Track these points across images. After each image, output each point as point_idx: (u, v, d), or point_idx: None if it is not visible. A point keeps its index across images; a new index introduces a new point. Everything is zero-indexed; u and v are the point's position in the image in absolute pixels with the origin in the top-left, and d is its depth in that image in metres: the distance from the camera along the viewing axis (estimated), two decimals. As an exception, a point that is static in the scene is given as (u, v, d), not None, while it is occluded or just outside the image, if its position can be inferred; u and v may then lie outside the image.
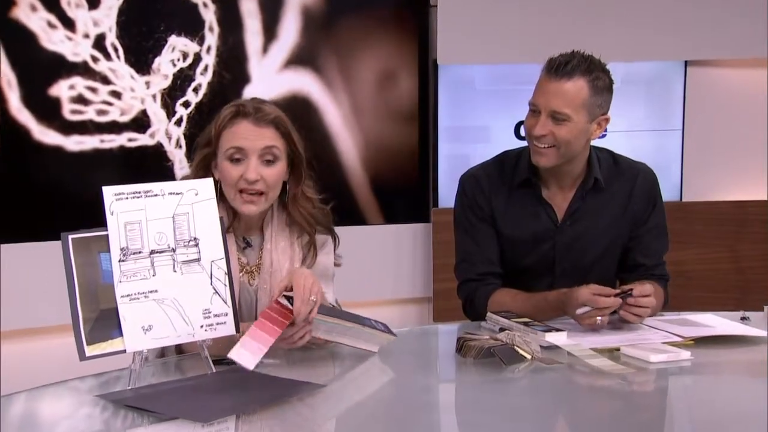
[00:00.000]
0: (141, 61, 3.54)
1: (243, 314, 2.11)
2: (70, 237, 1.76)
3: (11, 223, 3.39)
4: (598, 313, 2.20)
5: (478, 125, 4.08)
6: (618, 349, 2.09)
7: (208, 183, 1.92)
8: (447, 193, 3.95)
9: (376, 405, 1.85)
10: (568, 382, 1.97)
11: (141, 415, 1.66)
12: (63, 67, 3.43)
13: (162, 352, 2.10)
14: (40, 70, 3.40)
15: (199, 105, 3.64)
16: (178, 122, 3.63)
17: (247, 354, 1.87)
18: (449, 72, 4.02)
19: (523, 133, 2.54)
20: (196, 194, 1.89)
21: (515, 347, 2.00)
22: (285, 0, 3.74)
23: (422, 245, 4.05)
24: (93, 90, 3.48)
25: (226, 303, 1.89)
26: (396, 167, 4.00)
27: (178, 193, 1.87)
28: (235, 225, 2.16)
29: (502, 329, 2.15)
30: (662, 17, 3.98)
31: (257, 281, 2.16)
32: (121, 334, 1.78)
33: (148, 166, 3.57)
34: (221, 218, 1.92)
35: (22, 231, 3.39)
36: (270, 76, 3.74)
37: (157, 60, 3.56)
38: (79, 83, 3.46)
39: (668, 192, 3.36)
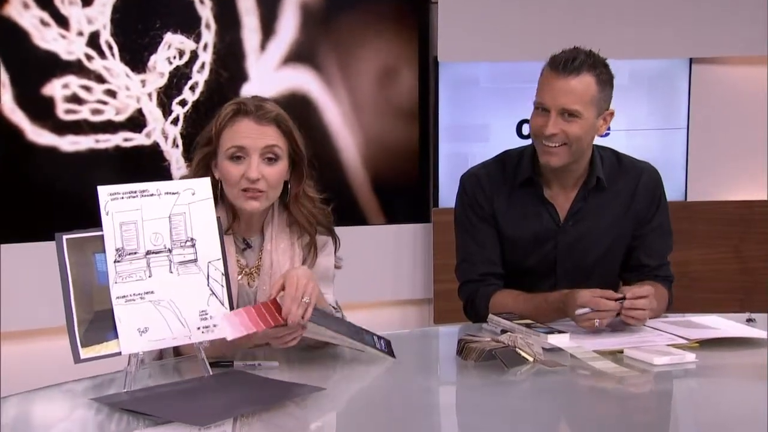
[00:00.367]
0: (136, 59, 3.50)
1: (241, 316, 2.08)
2: (65, 237, 1.75)
3: (8, 224, 3.35)
4: (596, 315, 2.18)
5: (478, 123, 4.05)
6: (621, 352, 2.07)
7: (205, 182, 1.90)
8: (447, 193, 3.93)
9: (376, 408, 1.83)
10: (571, 384, 1.95)
11: (137, 419, 1.64)
12: (56, 66, 3.38)
13: (160, 354, 2.08)
14: (33, 68, 3.36)
15: (196, 104, 3.60)
16: (175, 121, 3.59)
17: (228, 327, 1.82)
18: (450, 69, 3.99)
19: (526, 132, 2.52)
20: (193, 194, 1.87)
21: (517, 349, 1.98)
22: (283, -3, 3.71)
23: (422, 246, 4.03)
24: (87, 89, 3.43)
25: (223, 304, 1.87)
26: (396, 166, 3.98)
27: (174, 193, 1.85)
28: (234, 226, 2.13)
29: (503, 331, 2.13)
30: (665, 14, 3.95)
31: (257, 283, 2.14)
32: (116, 336, 1.76)
33: (145, 166, 3.53)
34: (218, 218, 1.90)
35: (18, 231, 3.35)
36: (268, 74, 3.71)
37: (153, 58, 3.52)
38: (73, 82, 3.41)
39: (672, 191, 3.34)
